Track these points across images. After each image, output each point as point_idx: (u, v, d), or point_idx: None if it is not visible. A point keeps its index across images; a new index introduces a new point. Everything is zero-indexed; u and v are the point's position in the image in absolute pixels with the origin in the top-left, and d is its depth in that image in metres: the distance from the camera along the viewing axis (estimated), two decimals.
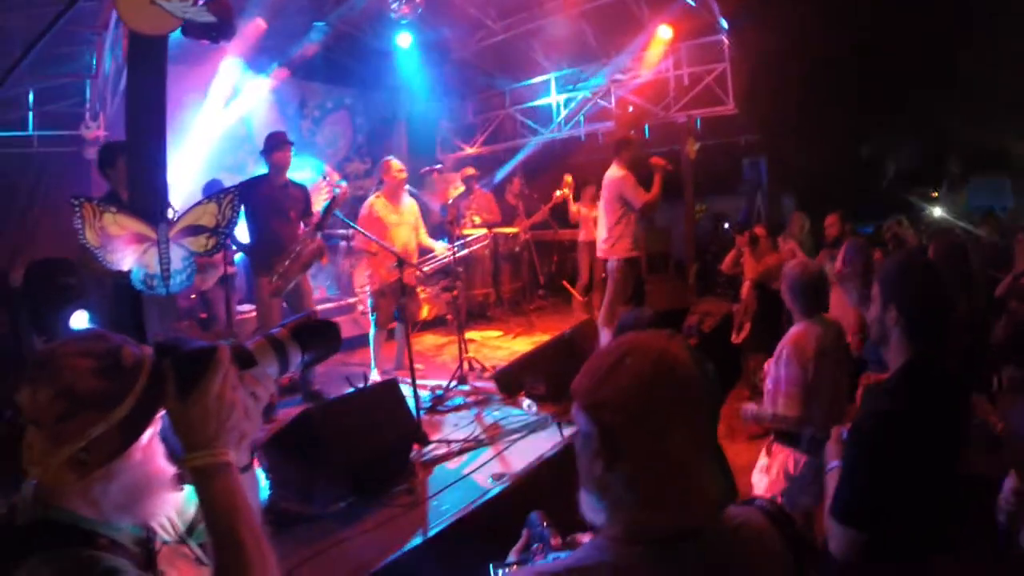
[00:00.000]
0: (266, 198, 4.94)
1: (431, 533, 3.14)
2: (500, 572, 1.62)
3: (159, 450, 1.22)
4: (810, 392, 3.05)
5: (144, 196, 3.60)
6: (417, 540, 3.08)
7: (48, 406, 1.08)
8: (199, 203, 3.96)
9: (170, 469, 1.22)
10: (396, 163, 5.85)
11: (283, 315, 4.98)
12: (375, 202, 5.75)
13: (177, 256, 3.67)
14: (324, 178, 8.18)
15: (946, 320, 2.01)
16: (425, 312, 7.94)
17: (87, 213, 3.37)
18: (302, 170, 8.57)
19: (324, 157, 9.59)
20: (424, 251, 5.96)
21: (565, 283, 9.13)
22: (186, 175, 6.78)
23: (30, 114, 6.62)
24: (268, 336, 1.23)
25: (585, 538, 1.54)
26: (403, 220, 5.77)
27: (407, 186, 6.02)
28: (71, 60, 6.71)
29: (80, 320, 4.29)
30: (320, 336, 1.26)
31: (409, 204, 5.91)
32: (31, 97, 6.56)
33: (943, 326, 2.00)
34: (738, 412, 3.36)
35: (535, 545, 1.71)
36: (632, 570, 0.97)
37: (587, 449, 1.03)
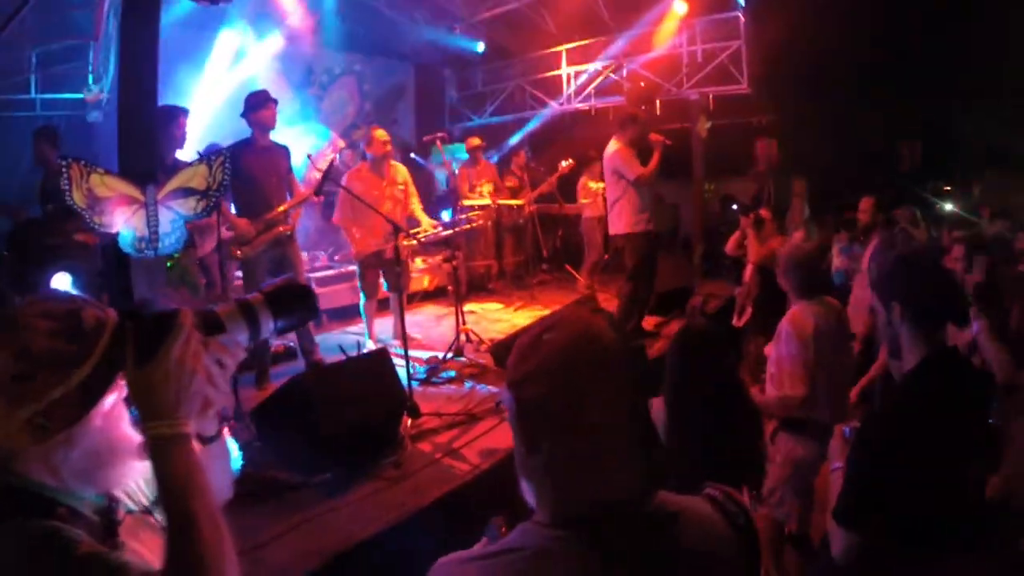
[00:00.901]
0: (247, 163, 4.69)
1: (416, 508, 3.12)
2: None
3: (124, 417, 1.18)
4: (813, 371, 2.98)
5: (135, 156, 3.54)
6: (401, 515, 3.06)
7: (4, 366, 1.04)
8: (189, 165, 3.87)
9: (136, 437, 1.18)
10: (381, 133, 5.68)
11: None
12: (352, 175, 5.62)
13: (166, 219, 3.61)
14: (329, 144, 8.12)
15: (956, 308, 1.91)
16: (426, 283, 7.90)
17: (74, 174, 3.32)
18: (308, 136, 8.50)
19: (330, 123, 9.48)
20: (413, 223, 5.78)
21: (569, 267, 9.06)
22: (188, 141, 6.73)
23: (33, 77, 6.56)
24: (239, 301, 1.18)
25: None
26: (385, 193, 5.60)
27: (412, 155, 5.90)
28: (74, 23, 6.63)
29: (62, 282, 4.24)
30: (294, 302, 1.21)
31: (396, 174, 5.72)
32: (34, 60, 6.49)
33: (954, 315, 1.90)
34: None
35: None
36: (553, 554, 0.93)
37: (514, 429, 1.01)
